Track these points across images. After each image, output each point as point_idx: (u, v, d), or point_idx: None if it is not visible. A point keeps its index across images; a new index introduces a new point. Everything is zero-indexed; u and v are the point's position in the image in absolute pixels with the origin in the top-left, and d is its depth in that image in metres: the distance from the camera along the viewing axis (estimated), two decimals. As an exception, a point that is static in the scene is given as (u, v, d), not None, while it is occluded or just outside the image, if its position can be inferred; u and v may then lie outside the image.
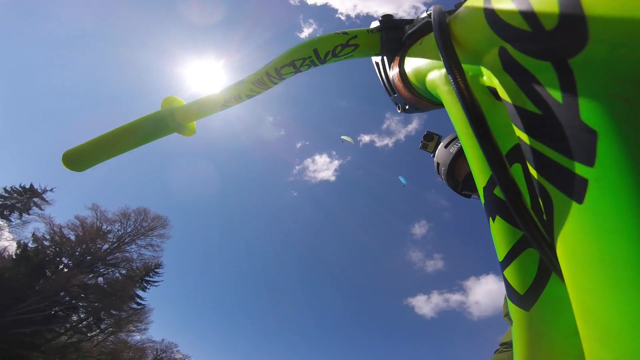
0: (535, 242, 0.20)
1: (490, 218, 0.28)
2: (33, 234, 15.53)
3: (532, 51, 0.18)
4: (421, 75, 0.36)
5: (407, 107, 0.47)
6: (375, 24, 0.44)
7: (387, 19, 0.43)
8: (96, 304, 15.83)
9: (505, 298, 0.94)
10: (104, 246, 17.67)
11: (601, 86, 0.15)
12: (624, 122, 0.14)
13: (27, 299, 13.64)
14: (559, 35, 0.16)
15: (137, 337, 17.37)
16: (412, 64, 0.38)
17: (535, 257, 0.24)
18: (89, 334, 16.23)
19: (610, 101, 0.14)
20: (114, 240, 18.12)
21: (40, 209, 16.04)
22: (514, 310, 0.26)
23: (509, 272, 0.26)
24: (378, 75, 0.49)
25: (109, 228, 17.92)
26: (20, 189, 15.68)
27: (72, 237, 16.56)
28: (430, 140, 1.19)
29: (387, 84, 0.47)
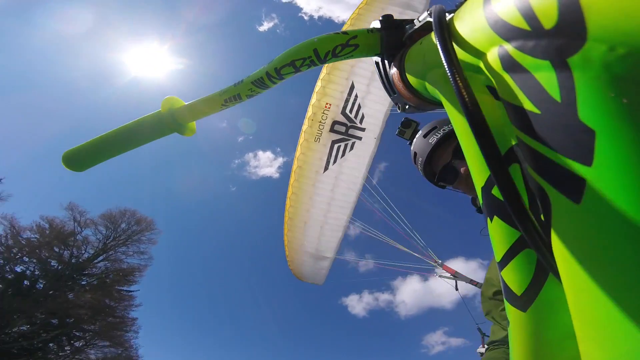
0: (532, 242, 0.21)
1: (489, 218, 0.28)
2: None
3: (531, 50, 0.18)
4: (421, 74, 0.36)
5: (407, 107, 0.47)
6: (375, 24, 0.44)
7: (387, 19, 0.43)
8: (72, 321, 14.95)
9: (481, 295, 1.04)
10: (84, 254, 16.29)
11: (600, 85, 0.14)
12: (623, 121, 0.14)
13: (14, 322, 12.55)
14: (557, 34, 0.16)
15: (119, 351, 16.85)
16: (412, 63, 0.39)
17: (533, 257, 0.25)
18: (60, 353, 15.42)
19: (609, 100, 0.14)
20: (97, 246, 16.67)
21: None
22: (510, 310, 0.27)
23: (506, 272, 0.27)
24: (378, 75, 0.49)
25: (84, 232, 16.12)
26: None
27: (35, 240, 14.74)
28: (407, 127, 1.15)
29: (387, 84, 0.47)
